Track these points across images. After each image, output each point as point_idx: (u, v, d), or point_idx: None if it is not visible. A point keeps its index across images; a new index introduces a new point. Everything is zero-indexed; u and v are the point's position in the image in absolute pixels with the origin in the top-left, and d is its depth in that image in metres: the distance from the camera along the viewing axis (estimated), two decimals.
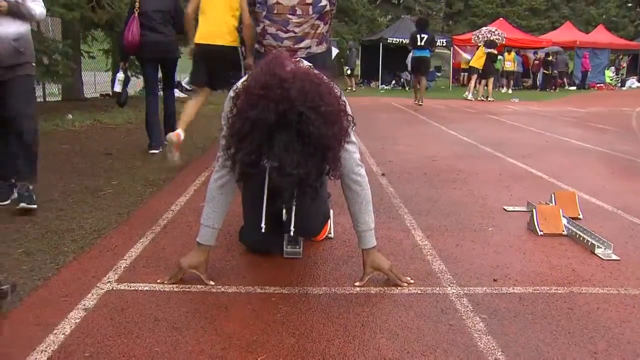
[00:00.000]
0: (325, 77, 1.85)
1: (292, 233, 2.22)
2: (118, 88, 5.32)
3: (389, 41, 20.20)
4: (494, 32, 18.68)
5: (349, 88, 16.96)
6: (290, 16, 3.10)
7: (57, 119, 7.21)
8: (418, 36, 11.73)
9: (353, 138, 2.07)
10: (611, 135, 7.42)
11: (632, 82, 24.39)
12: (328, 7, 3.20)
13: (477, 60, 14.51)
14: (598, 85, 22.95)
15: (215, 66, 4.41)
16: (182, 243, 2.63)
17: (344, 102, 1.90)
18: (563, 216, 3.01)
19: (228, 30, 4.37)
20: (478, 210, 3.40)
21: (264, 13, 3.15)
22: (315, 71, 1.85)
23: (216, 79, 4.51)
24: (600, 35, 24.65)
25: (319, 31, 3.18)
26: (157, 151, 5.13)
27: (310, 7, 3.12)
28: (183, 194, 3.63)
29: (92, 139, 6.20)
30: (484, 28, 20.31)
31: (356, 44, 21.61)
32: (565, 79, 22.67)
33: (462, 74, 23.43)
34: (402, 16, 26.73)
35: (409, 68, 14.14)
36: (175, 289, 2.09)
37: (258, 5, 3.20)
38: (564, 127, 8.36)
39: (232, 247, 2.57)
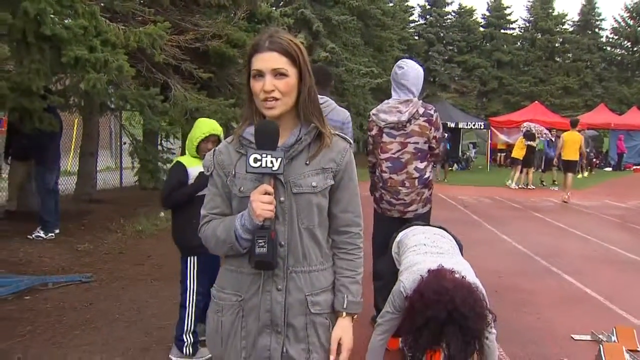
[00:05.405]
0: (477, 284, 2.63)
1: None
2: None
3: None
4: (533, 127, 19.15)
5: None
6: (400, 188, 3.98)
7: (152, 217, 8.20)
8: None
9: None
10: None
11: None
12: (434, 148, 3.97)
13: (519, 152, 15.40)
14: (635, 167, 23.45)
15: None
16: None
17: (487, 301, 2.65)
18: (626, 351, 3.73)
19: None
20: (550, 338, 4.13)
21: (380, 184, 4.04)
22: (469, 280, 2.63)
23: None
24: (635, 117, 25.31)
25: (424, 197, 4.04)
26: None
27: (416, 180, 3.96)
28: None
29: None
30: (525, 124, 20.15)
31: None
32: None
33: (498, 154, 24.35)
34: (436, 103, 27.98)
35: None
36: None
37: (376, 176, 4.08)
38: (608, 229, 9.07)
39: None
